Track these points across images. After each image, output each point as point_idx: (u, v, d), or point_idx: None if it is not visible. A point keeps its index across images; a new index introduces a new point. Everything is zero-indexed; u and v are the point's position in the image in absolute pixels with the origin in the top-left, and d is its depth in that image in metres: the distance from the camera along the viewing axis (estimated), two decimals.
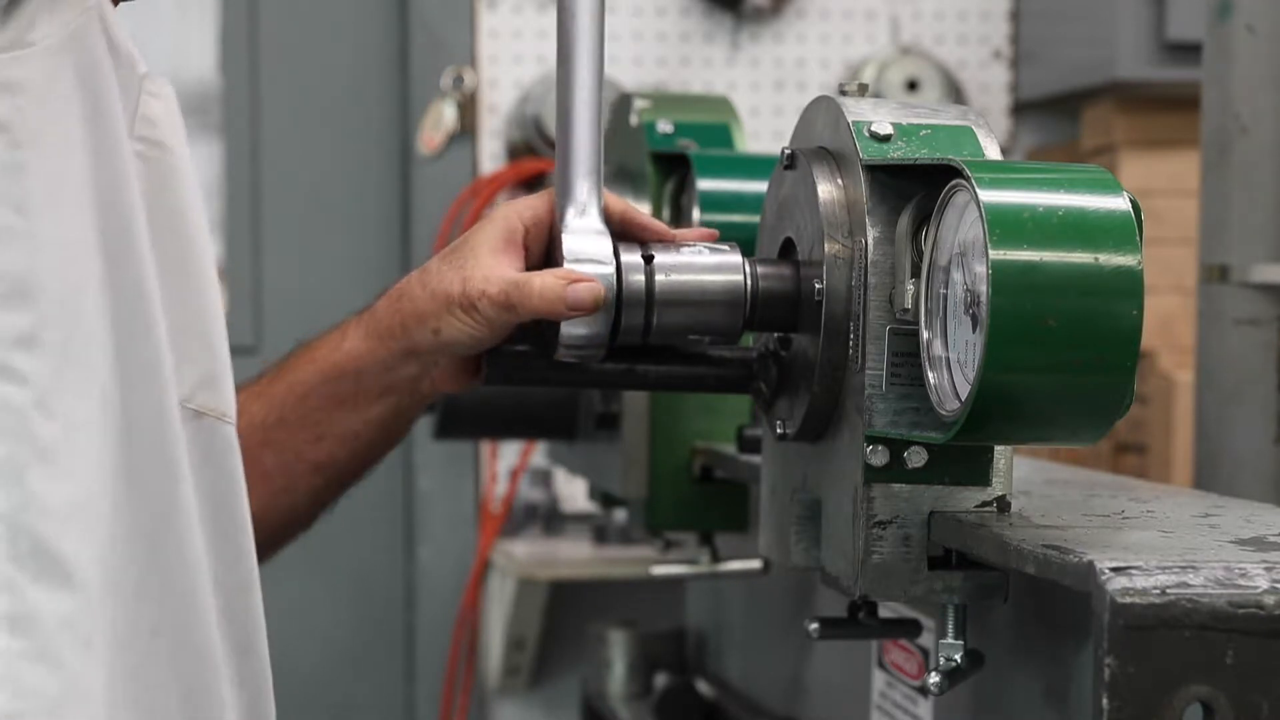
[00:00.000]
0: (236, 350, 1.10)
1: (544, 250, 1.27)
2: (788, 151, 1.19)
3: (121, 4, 1.06)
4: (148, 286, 1.00)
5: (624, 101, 1.65)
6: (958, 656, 1.11)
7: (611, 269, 1.20)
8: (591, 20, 1.20)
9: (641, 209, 1.28)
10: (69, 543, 0.94)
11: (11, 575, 0.92)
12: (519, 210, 1.27)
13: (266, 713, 1.10)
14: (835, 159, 1.15)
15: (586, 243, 1.21)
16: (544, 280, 1.21)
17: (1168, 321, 3.10)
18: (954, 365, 1.03)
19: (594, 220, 1.22)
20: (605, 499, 1.75)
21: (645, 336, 1.21)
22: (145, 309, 1.00)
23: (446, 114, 3.39)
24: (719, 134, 1.63)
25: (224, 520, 1.07)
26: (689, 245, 1.22)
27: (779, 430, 1.18)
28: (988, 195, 0.97)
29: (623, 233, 1.24)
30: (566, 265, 1.21)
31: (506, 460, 3.41)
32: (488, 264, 1.25)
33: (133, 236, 1.00)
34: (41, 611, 0.93)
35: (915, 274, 1.07)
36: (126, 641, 0.98)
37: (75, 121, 0.98)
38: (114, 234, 0.99)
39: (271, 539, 1.38)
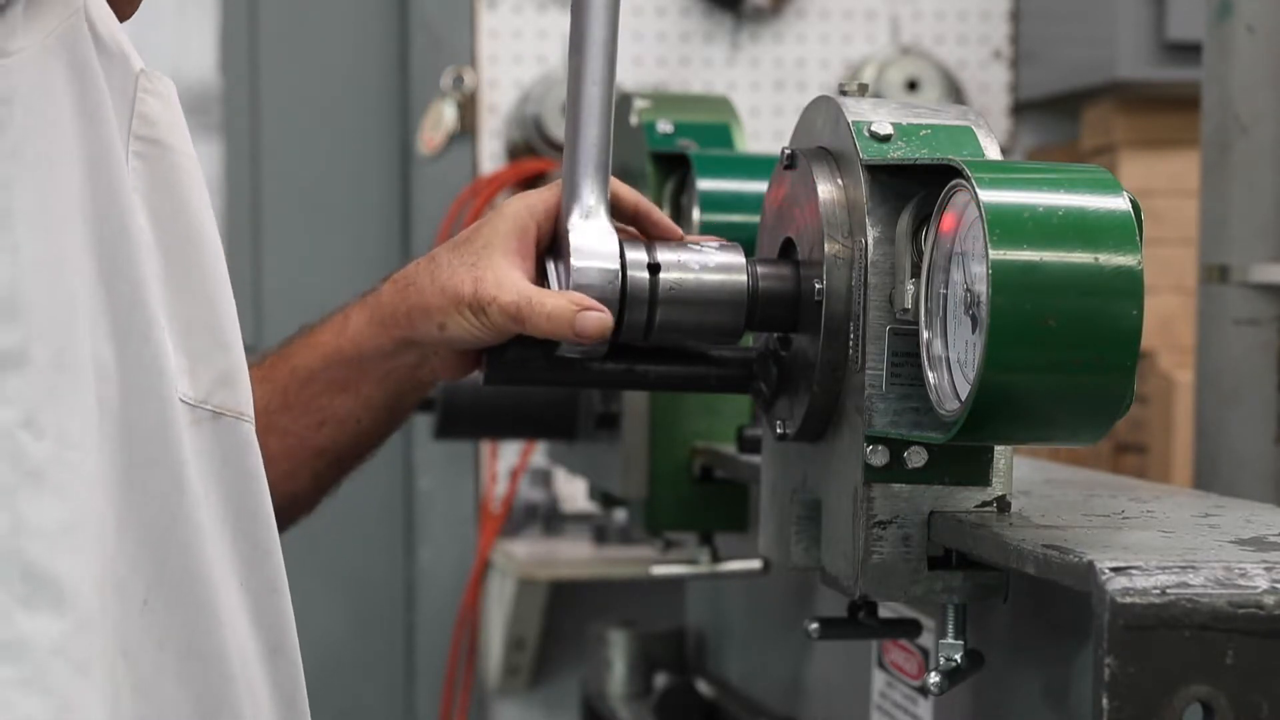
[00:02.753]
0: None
1: (550, 243, 1.27)
2: (788, 151, 1.19)
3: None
4: (146, 293, 0.99)
5: (624, 101, 1.65)
6: (958, 656, 1.11)
7: (615, 267, 1.20)
8: (605, 19, 1.19)
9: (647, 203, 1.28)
10: (61, 565, 0.92)
11: (1, 601, 0.91)
12: (530, 206, 1.27)
13: (301, 712, 1.10)
14: (835, 159, 1.15)
15: (591, 241, 1.21)
16: (556, 303, 1.21)
17: (1168, 321, 3.10)
18: (954, 365, 1.03)
19: (600, 220, 1.22)
20: (605, 499, 1.75)
21: (647, 335, 1.21)
22: (144, 315, 0.98)
23: (446, 114, 3.39)
24: (719, 134, 1.63)
25: (246, 521, 1.05)
26: (693, 244, 1.22)
27: (779, 430, 1.17)
28: (988, 195, 0.97)
29: (633, 225, 1.24)
30: (574, 265, 1.21)
31: (506, 460, 3.41)
32: (501, 268, 1.25)
33: (129, 241, 0.98)
34: (33, 637, 0.91)
35: (915, 274, 1.07)
36: (132, 656, 0.96)
37: (66, 129, 0.96)
38: (109, 240, 0.97)
39: (276, 524, 1.38)
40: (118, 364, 0.97)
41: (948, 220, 1.03)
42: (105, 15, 1.01)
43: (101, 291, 0.97)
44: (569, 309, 1.20)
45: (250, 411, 1.06)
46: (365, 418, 1.37)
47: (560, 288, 1.23)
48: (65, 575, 0.92)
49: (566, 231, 1.21)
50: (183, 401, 1.01)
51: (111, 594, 0.96)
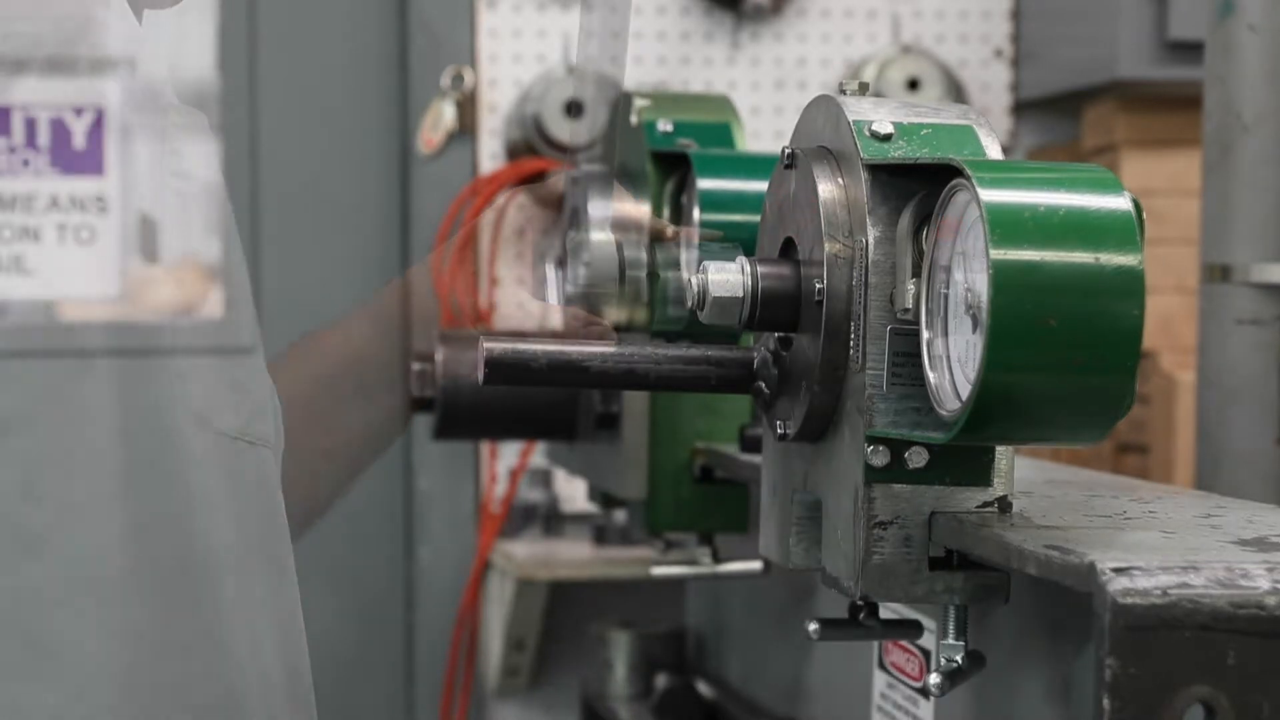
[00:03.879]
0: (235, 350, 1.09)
1: (549, 247, 1.27)
2: (788, 151, 1.19)
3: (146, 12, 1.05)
4: (161, 327, 0.98)
5: (624, 101, 1.65)
6: (959, 657, 1.10)
7: (614, 270, 1.20)
8: (615, 21, 1.18)
9: (642, 208, 1.29)
10: (61, 633, 0.91)
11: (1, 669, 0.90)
12: (526, 207, 1.27)
13: None
14: (836, 158, 1.14)
15: (590, 245, 1.21)
16: (558, 320, 1.21)
17: (1169, 321, 3.09)
18: (954, 365, 1.03)
19: (599, 224, 1.22)
20: (605, 499, 1.75)
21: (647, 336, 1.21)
22: (157, 350, 0.97)
23: (446, 113, 3.38)
24: (719, 133, 1.63)
25: (272, 545, 1.05)
26: (692, 244, 1.22)
27: (779, 430, 1.17)
28: (989, 195, 0.97)
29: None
30: (573, 270, 1.21)
31: (506, 460, 3.41)
32: (502, 279, 1.25)
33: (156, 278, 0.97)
34: (30, 706, 0.90)
35: (916, 274, 1.07)
36: (147, 704, 0.95)
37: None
38: (131, 280, 0.96)
39: (292, 532, 1.38)
40: (126, 407, 0.96)
41: (948, 220, 1.03)
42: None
43: (114, 332, 0.95)
44: (573, 325, 1.20)
45: (274, 440, 1.06)
46: (375, 420, 1.38)
47: (559, 293, 1.23)
48: (65, 644, 0.92)
49: (565, 236, 1.22)
50: (224, 435, 1.01)
51: (119, 650, 0.95)
